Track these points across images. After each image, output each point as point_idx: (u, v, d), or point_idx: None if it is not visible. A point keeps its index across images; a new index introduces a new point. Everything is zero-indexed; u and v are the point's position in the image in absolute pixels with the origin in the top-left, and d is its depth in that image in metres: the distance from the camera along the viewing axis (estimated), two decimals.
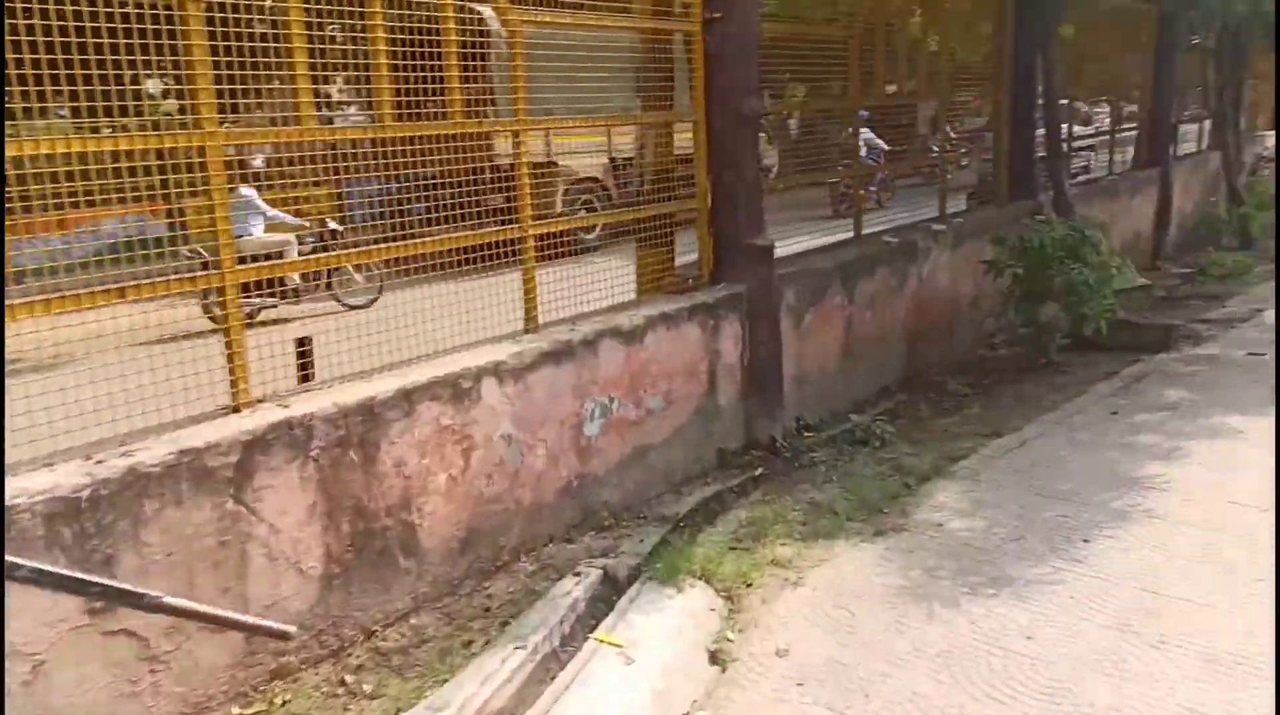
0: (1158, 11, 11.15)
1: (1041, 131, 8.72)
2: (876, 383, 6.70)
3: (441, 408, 3.81)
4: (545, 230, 4.48)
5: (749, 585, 3.87)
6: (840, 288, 6.26)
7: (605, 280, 4.94)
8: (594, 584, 3.84)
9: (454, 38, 4.09)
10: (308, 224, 5.71)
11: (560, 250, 4.58)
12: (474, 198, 4.28)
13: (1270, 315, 7.95)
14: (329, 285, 5.99)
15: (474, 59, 4.33)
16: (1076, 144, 10.69)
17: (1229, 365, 6.52)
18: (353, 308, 5.49)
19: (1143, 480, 4.63)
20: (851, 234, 6.81)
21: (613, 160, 10.45)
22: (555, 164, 8.54)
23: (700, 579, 3.87)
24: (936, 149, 8.43)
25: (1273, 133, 17.79)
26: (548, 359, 4.23)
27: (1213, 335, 7.37)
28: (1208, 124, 14.08)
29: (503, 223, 4.39)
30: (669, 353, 4.90)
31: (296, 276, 4.49)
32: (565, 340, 4.32)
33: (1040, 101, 8.62)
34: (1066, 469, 4.87)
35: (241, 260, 3.54)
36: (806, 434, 5.78)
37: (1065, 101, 9.62)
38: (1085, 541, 4.04)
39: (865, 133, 7.56)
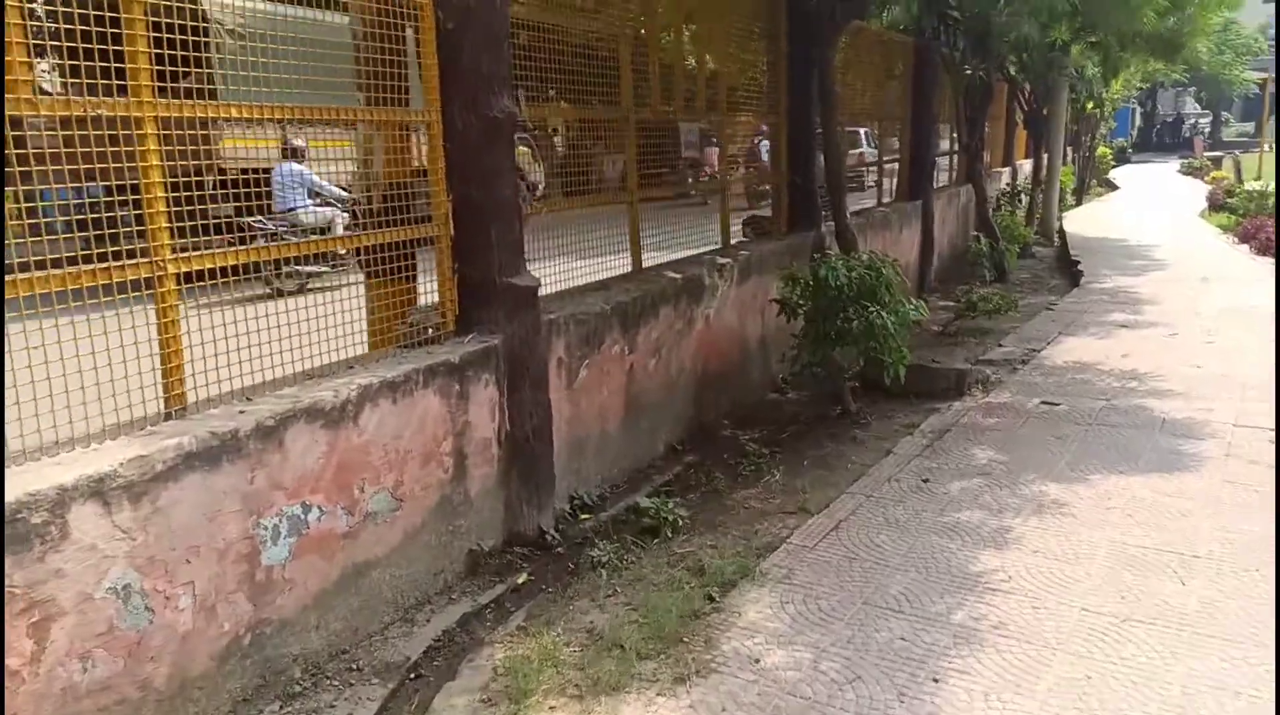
0: (915, 44, 11.14)
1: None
2: (663, 441, 5.71)
3: None
4: (193, 268, 3.06)
5: None
6: (620, 333, 5.20)
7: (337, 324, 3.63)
8: None
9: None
10: (351, 196, 5.67)
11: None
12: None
13: (1047, 355, 7.80)
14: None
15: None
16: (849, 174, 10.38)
17: (1026, 417, 6.09)
18: None
19: (980, 578, 3.88)
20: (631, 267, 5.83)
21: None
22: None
23: None
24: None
25: (1005, 170, 19.00)
26: (196, 462, 2.81)
27: (1000, 379, 7.01)
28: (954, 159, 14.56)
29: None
30: (397, 433, 3.60)
31: (341, 248, 4.65)
32: (228, 430, 2.92)
33: (819, 130, 8.07)
34: (891, 563, 4.04)
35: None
36: (583, 516, 4.67)
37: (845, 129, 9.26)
38: (935, 681, 3.16)
39: (765, 143, 8.36)
